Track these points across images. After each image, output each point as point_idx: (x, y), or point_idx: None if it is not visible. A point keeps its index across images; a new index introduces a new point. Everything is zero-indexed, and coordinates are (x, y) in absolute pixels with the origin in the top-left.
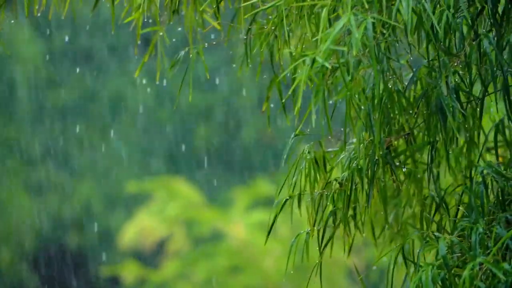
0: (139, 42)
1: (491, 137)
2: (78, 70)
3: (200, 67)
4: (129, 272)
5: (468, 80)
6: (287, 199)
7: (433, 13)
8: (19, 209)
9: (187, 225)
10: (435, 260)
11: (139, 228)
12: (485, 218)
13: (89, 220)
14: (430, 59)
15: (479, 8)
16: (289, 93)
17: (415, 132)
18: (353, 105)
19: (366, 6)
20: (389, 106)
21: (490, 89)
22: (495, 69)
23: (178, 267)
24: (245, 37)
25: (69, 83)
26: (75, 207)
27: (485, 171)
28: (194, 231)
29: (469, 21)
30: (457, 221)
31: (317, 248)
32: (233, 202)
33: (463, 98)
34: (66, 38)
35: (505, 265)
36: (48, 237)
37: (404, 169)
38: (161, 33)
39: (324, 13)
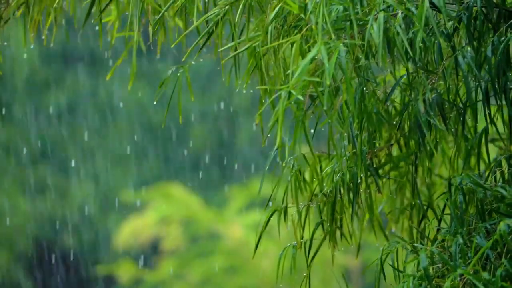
0: (114, 44)
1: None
2: (75, 71)
3: (197, 70)
4: (125, 272)
5: (454, 91)
6: (273, 213)
7: (409, 32)
8: (15, 211)
9: (183, 225)
10: (417, 271)
11: (135, 228)
12: (465, 228)
13: (85, 221)
14: (409, 75)
15: (454, 25)
16: (271, 124)
17: (401, 143)
18: (336, 122)
19: (333, 36)
20: (369, 123)
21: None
22: (473, 81)
23: (174, 268)
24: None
25: (66, 85)
26: (72, 208)
27: (463, 182)
28: (190, 232)
29: (441, 39)
30: (438, 231)
31: (313, 250)
32: (229, 203)
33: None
34: (63, 39)
35: (485, 276)
36: (44, 239)
37: (388, 179)
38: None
39: (294, 47)
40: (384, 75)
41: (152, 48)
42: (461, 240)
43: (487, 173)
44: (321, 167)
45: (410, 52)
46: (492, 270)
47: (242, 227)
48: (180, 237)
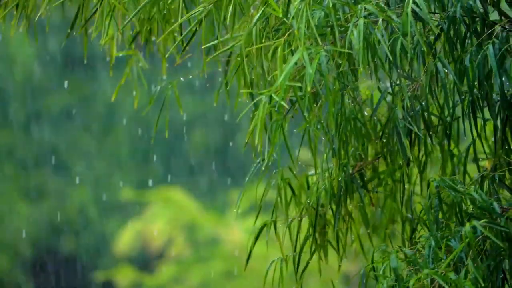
0: (113, 62)
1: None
2: (73, 75)
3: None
4: (124, 276)
5: (437, 103)
6: (263, 226)
7: (390, 39)
8: (15, 215)
9: (183, 230)
10: (389, 273)
11: (135, 233)
12: (440, 232)
13: (85, 225)
14: (392, 83)
15: (436, 33)
16: (250, 130)
17: (387, 155)
18: (315, 132)
19: (319, 41)
20: (348, 134)
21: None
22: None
23: (174, 272)
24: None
25: (65, 89)
26: (71, 213)
27: (440, 186)
28: (190, 236)
29: (424, 47)
30: (418, 235)
31: (312, 255)
32: (230, 207)
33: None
34: (61, 43)
35: (452, 276)
36: (44, 243)
37: (376, 192)
38: (136, 57)
39: (279, 52)
40: (368, 87)
41: (155, 59)
42: (433, 243)
43: (471, 184)
44: (307, 181)
45: (390, 57)
46: (465, 272)
47: (242, 232)
48: (180, 241)
